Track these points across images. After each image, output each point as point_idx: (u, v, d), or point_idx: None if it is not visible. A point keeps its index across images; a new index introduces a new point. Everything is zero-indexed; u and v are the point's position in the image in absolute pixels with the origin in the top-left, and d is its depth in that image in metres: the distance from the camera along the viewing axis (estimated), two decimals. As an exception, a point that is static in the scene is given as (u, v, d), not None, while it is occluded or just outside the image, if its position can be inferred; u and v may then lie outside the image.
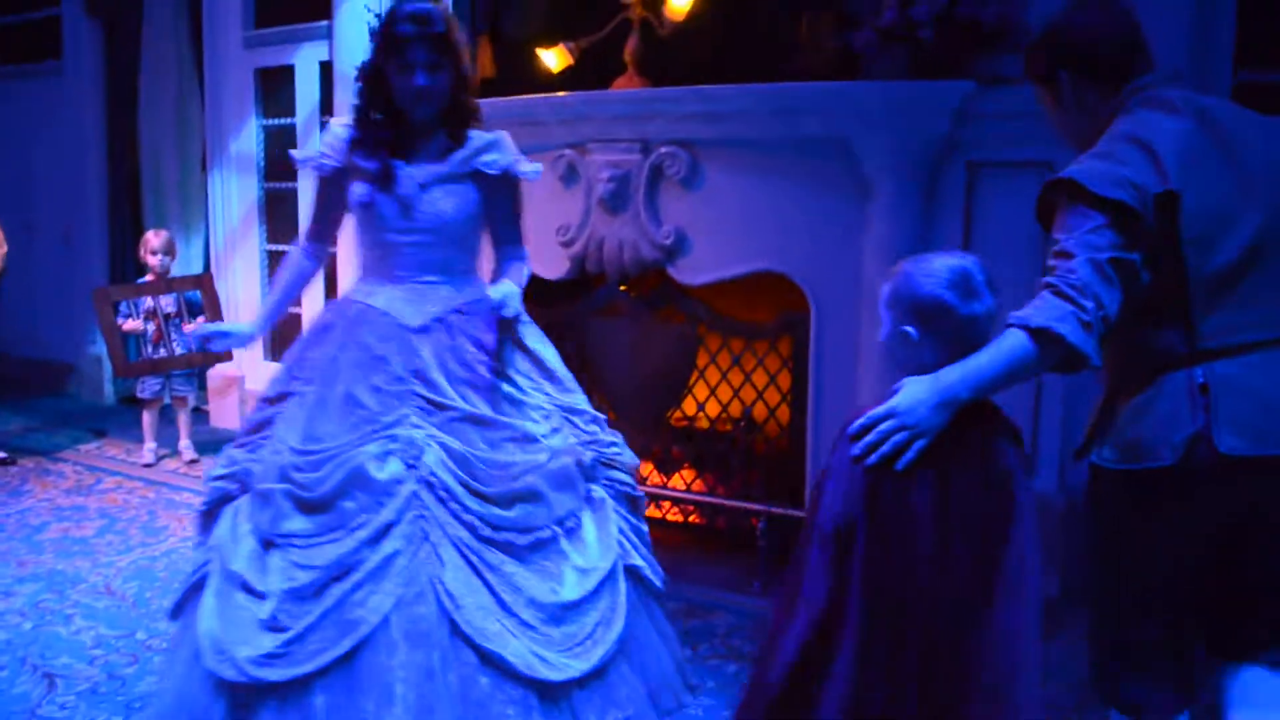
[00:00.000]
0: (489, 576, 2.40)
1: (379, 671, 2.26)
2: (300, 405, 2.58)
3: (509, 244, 2.80)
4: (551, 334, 4.34)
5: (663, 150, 3.84)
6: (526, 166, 2.70)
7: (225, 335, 2.75)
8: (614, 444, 2.78)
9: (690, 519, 4.17)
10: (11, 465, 5.06)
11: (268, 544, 2.43)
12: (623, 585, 2.55)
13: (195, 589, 2.50)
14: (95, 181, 6.55)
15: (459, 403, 2.53)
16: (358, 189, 2.61)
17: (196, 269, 6.23)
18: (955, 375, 1.78)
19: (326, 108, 5.37)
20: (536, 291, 4.36)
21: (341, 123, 2.72)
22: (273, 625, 2.31)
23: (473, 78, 2.64)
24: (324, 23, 5.27)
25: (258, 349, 5.90)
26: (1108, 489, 1.94)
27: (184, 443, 5.28)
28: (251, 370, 5.89)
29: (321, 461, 2.45)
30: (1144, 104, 1.95)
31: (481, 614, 2.35)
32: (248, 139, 5.82)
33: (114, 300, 5.11)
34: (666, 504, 4.17)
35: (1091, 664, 2.06)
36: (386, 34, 2.54)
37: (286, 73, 5.65)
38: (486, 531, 2.43)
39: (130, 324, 5.10)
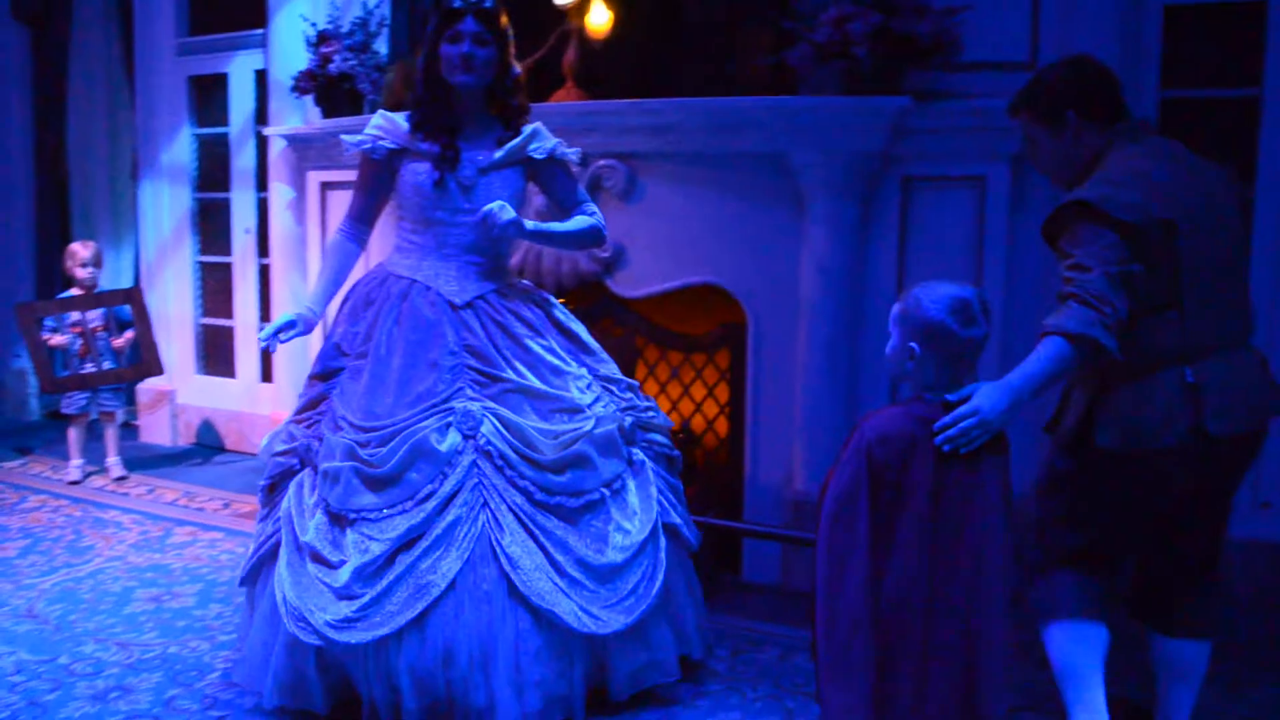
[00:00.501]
0: (543, 539, 2.64)
1: (446, 629, 2.53)
2: (354, 380, 2.81)
3: (578, 209, 3.03)
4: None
5: (601, 163, 3.83)
6: (567, 149, 2.98)
7: (292, 325, 2.89)
8: (650, 408, 3.07)
9: (630, 532, 4.15)
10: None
11: (337, 518, 2.66)
12: (662, 542, 2.80)
13: (268, 558, 2.75)
14: (21, 191, 6.37)
15: (510, 375, 2.78)
16: (418, 169, 2.82)
17: (126, 281, 6.11)
18: (1019, 381, 2.11)
19: (261, 117, 5.30)
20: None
21: (385, 114, 2.93)
22: (347, 593, 2.54)
23: (520, 77, 2.91)
24: (259, 31, 5.19)
25: (190, 361, 5.79)
26: (1110, 466, 2.32)
27: (112, 459, 5.15)
28: (183, 383, 5.78)
29: (386, 438, 2.67)
30: (1130, 140, 2.39)
31: (537, 575, 2.59)
32: (180, 148, 5.71)
33: (39, 315, 4.98)
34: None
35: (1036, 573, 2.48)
36: (442, 11, 2.80)
37: (220, 81, 5.56)
38: (540, 496, 2.68)
39: (56, 339, 4.97)
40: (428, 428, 2.67)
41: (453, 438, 2.68)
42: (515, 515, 2.65)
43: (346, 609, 2.53)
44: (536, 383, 2.80)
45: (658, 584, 2.72)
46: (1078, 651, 2.40)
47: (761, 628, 3.42)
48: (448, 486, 2.64)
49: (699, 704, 2.90)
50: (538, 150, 2.88)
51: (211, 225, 5.75)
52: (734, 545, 3.83)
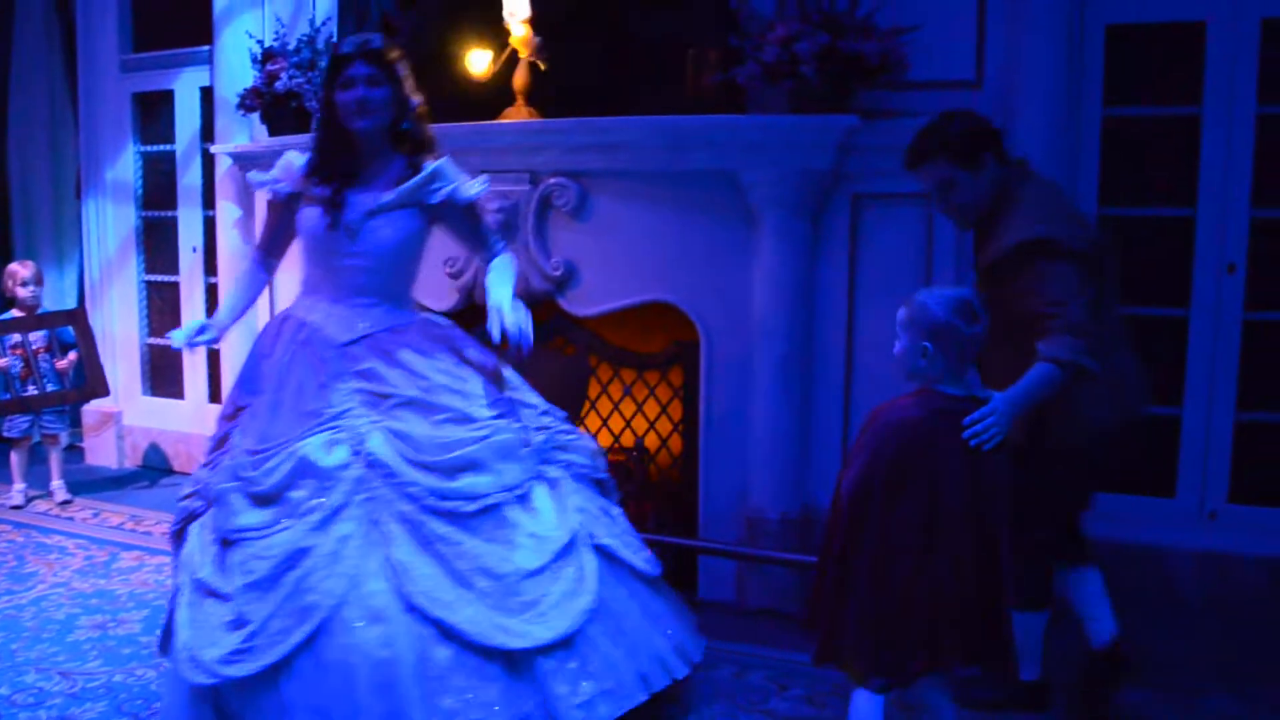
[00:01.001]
0: (438, 546, 2.51)
1: (340, 653, 2.37)
2: (253, 414, 2.75)
3: (482, 251, 2.94)
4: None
5: (551, 181, 3.82)
6: (471, 188, 2.83)
7: (205, 329, 2.88)
8: (569, 431, 2.96)
9: (585, 551, 4.13)
10: None
11: (226, 543, 2.55)
12: (591, 560, 2.65)
13: (173, 613, 2.63)
14: (-38, 209, 6.26)
15: (400, 391, 2.69)
16: (309, 214, 2.79)
17: (70, 301, 6.00)
18: (1021, 395, 2.41)
19: (208, 134, 5.23)
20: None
21: (291, 156, 2.89)
22: (236, 623, 2.43)
23: (420, 108, 2.81)
24: (205, 48, 5.13)
25: (136, 382, 5.70)
26: (1074, 460, 2.70)
27: (56, 483, 5.05)
28: (129, 405, 5.68)
29: (270, 456, 2.60)
30: (1026, 178, 2.72)
31: (432, 583, 2.45)
32: (125, 166, 5.63)
33: (-21, 336, 4.88)
34: (561, 536, 4.13)
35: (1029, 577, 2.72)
36: (331, 58, 2.80)
37: (166, 98, 5.48)
38: (430, 501, 2.54)
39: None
40: (312, 444, 2.59)
41: (339, 453, 2.59)
42: (405, 523, 2.52)
43: (236, 639, 2.40)
44: (427, 396, 2.70)
45: (583, 600, 2.56)
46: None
47: (717, 646, 3.40)
48: (333, 500, 2.53)
49: (654, 725, 2.89)
50: (433, 195, 2.77)
51: (157, 244, 5.67)
52: (689, 563, 3.83)
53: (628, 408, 4.04)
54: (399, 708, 2.35)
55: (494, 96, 4.03)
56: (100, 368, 5.09)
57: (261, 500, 2.56)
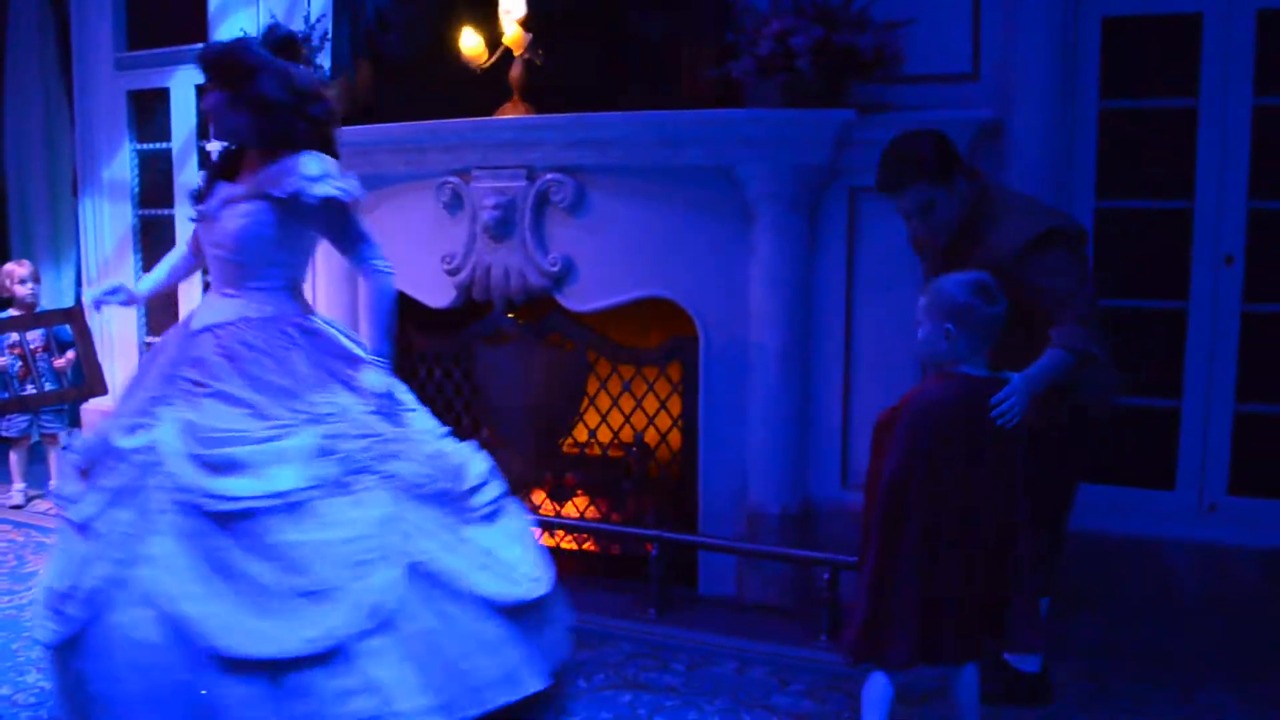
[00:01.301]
0: (199, 542, 2.44)
1: (108, 641, 2.39)
2: (121, 395, 2.86)
3: (355, 262, 2.80)
4: (439, 362, 4.32)
5: (548, 177, 3.82)
6: (324, 189, 2.64)
7: (116, 291, 2.95)
8: (397, 440, 2.66)
9: (585, 546, 4.14)
10: None
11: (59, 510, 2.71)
12: (389, 572, 2.45)
13: None
14: (-43, 208, 6.25)
15: (219, 381, 2.61)
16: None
17: (68, 300, 5.99)
18: (1039, 375, 2.51)
19: (204, 131, 5.22)
20: (422, 319, 4.33)
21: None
22: (50, 591, 2.56)
23: (279, 100, 2.65)
24: (199, 45, 5.08)
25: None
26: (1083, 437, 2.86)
27: (55, 482, 5.05)
28: (128, 404, 5.67)
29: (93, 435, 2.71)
30: (986, 185, 2.86)
31: (185, 578, 2.40)
32: (121, 164, 5.62)
33: (-24, 335, 4.87)
34: (560, 532, 4.13)
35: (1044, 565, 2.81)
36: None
37: (161, 96, 5.47)
38: (193, 498, 2.47)
39: (-3, 360, 4.87)
40: (118, 425, 2.63)
41: (138, 438, 2.56)
42: (175, 516, 2.45)
43: (50, 608, 2.52)
44: (238, 391, 2.59)
45: (363, 610, 2.38)
46: None
47: (717, 641, 3.42)
48: (112, 482, 2.53)
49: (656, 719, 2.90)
50: (277, 188, 2.65)
51: (154, 242, 5.66)
52: (689, 559, 3.83)
53: (626, 404, 4.03)
54: (159, 693, 2.34)
55: (490, 92, 4.02)
56: (98, 366, 5.07)
57: (81, 474, 2.67)
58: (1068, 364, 2.58)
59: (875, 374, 3.56)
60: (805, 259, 3.61)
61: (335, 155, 2.75)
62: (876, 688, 2.48)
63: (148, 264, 5.68)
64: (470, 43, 3.98)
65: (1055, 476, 2.82)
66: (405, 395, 2.79)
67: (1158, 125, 3.60)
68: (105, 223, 5.66)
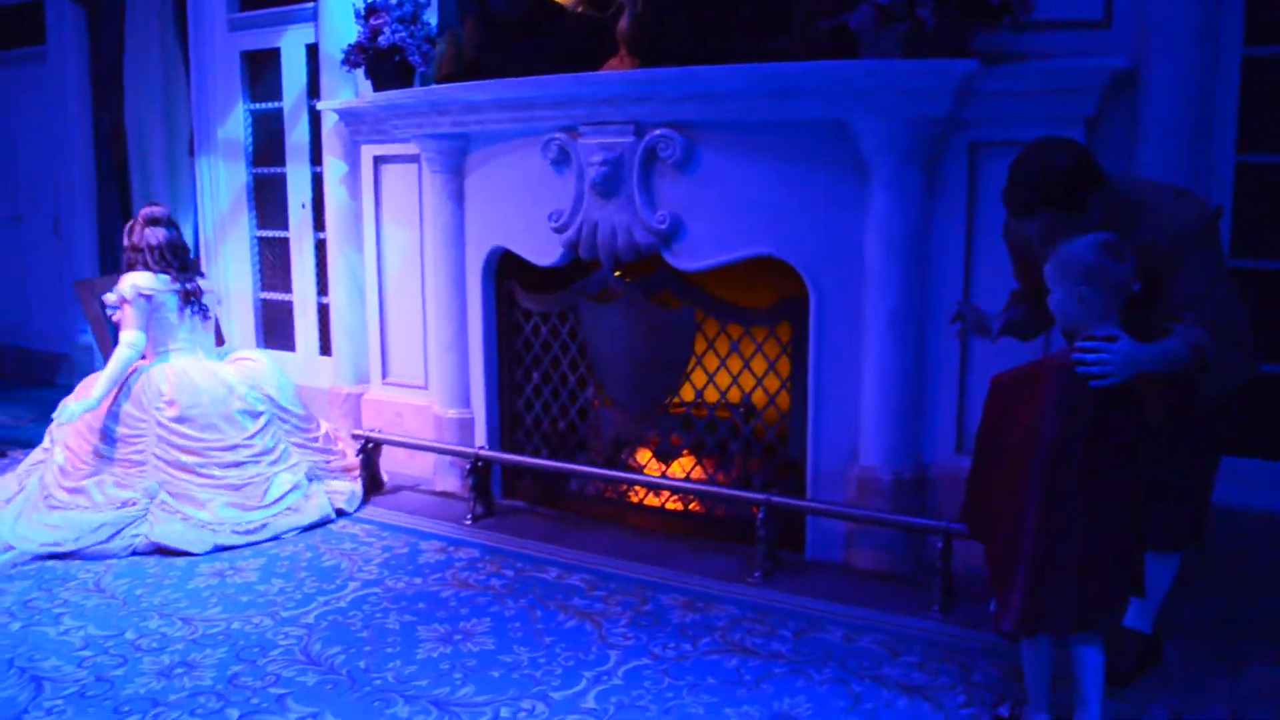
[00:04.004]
0: None
1: None
2: None
3: None
4: (545, 320, 4.31)
5: (656, 133, 3.74)
6: None
7: None
8: None
9: (690, 507, 4.11)
10: (2, 457, 4.98)
11: None
12: None
13: None
14: (82, 169, 6.46)
15: None
16: None
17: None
18: (1147, 353, 2.38)
19: (314, 91, 5.27)
20: (527, 277, 4.32)
21: None
22: None
23: None
24: (310, 4, 5.16)
25: (251, 336, 5.82)
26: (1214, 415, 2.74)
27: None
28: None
29: None
30: (1118, 184, 2.63)
31: None
32: (235, 124, 5.72)
33: (99, 292, 5.01)
34: (666, 492, 4.10)
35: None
36: None
37: (273, 56, 5.54)
38: None
39: (116, 315, 5.00)
40: None
41: None
42: None
43: None
44: None
45: None
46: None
47: (825, 607, 3.36)
48: None
49: (764, 687, 2.85)
50: None
51: (268, 200, 5.77)
52: (797, 523, 3.76)
53: (734, 364, 3.96)
54: None
55: (597, 46, 3.96)
56: (215, 321, 5.14)
57: None
58: (1181, 358, 2.43)
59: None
60: (922, 217, 3.48)
61: None
62: (1041, 654, 2.51)
63: (263, 221, 5.79)
64: None
65: (1177, 450, 2.67)
66: None
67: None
68: (221, 181, 5.79)
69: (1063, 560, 2.37)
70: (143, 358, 4.24)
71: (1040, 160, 2.54)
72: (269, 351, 5.58)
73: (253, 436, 4.20)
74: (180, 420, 4.10)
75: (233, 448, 4.14)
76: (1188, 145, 3.25)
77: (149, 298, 4.20)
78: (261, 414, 4.27)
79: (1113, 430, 2.40)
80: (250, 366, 4.44)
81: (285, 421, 4.37)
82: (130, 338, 4.15)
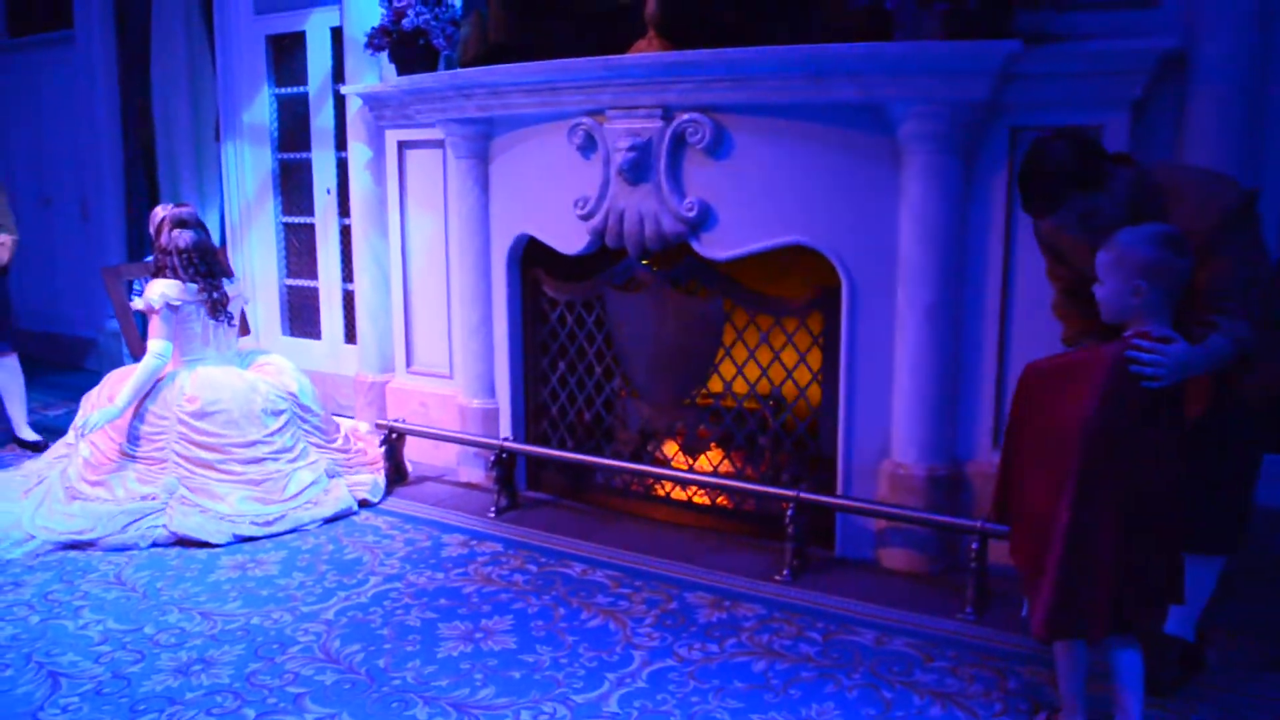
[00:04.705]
0: None
1: None
2: None
3: None
4: (570, 309, 4.23)
5: (685, 117, 3.64)
6: None
7: None
8: None
9: (718, 501, 4.02)
10: (42, 450, 4.92)
11: None
12: None
13: None
14: (110, 153, 6.44)
15: None
16: None
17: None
18: (1199, 357, 2.35)
19: (339, 75, 5.21)
20: (553, 265, 4.24)
21: None
22: None
23: None
24: (335, -13, 5.09)
25: (276, 322, 5.78)
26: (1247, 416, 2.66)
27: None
28: (270, 345, 5.77)
29: None
30: (1152, 171, 2.61)
31: None
32: (260, 108, 5.67)
33: (125, 278, 4.99)
34: (692, 486, 4.02)
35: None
36: None
37: (298, 40, 5.48)
38: None
39: (138, 302, 4.96)
40: None
41: None
42: None
43: None
44: None
45: None
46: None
47: (855, 607, 3.26)
48: None
49: (791, 692, 2.76)
50: None
51: (293, 185, 5.72)
52: (827, 520, 3.67)
53: (764, 355, 3.87)
54: None
55: (624, 28, 3.86)
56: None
57: None
58: (1227, 355, 2.40)
59: (1034, 330, 3.28)
60: (959, 205, 3.36)
61: None
62: (1075, 655, 2.42)
63: (288, 207, 5.74)
64: None
65: (1219, 450, 2.59)
66: None
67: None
68: (247, 166, 5.74)
69: (1095, 559, 2.28)
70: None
71: (1039, 159, 2.55)
72: (289, 359, 5.56)
73: (273, 434, 4.17)
74: (200, 416, 4.07)
75: (252, 444, 4.10)
76: (1239, 131, 3.11)
77: (176, 308, 4.17)
78: (283, 412, 4.23)
79: (1156, 426, 2.32)
80: (272, 368, 4.42)
81: (305, 421, 4.34)
82: (158, 347, 4.13)
